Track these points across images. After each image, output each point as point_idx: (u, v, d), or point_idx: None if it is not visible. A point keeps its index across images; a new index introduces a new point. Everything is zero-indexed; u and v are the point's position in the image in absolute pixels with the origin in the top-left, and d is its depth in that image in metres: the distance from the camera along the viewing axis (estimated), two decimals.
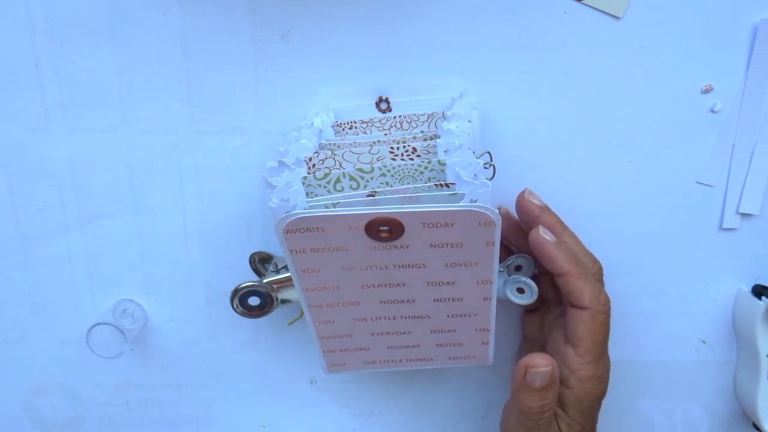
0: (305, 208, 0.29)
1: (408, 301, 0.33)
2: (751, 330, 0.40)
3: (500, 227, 0.28)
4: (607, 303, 0.35)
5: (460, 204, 0.28)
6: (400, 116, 0.37)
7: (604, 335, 0.35)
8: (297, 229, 0.28)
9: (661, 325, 0.43)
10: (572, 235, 0.37)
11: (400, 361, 0.37)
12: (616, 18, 0.37)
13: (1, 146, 0.40)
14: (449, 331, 0.35)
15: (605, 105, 0.39)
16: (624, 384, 0.43)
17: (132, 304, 0.42)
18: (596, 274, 0.37)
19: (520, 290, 0.37)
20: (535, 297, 0.36)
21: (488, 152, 0.34)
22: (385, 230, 0.28)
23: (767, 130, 0.39)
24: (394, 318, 0.34)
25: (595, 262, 0.37)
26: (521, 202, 0.37)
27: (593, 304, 0.34)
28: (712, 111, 0.38)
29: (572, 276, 0.35)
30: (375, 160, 0.33)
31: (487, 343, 0.35)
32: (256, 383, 0.45)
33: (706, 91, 0.38)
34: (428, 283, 0.32)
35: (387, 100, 0.38)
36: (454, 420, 0.45)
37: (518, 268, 0.38)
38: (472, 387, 0.45)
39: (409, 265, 0.30)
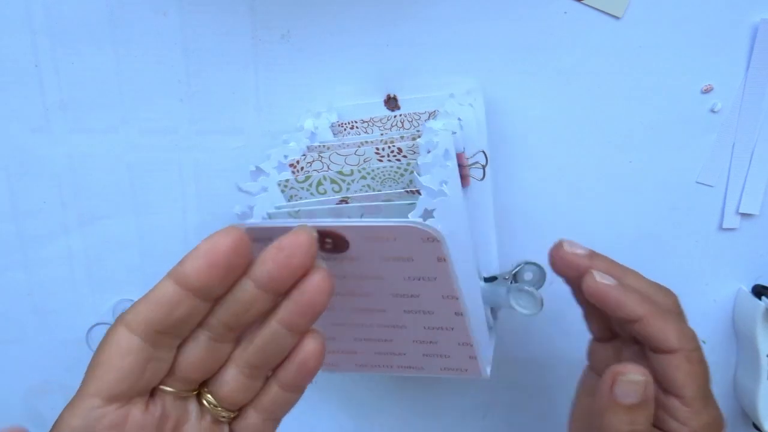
0: (266, 216, 0.29)
1: (379, 310, 0.32)
2: (751, 330, 0.40)
3: (446, 244, 0.26)
4: (695, 337, 0.30)
5: (395, 220, 0.26)
6: (401, 115, 0.37)
7: (706, 374, 0.30)
8: (253, 238, 0.26)
9: None
10: (634, 272, 0.32)
11: (391, 367, 0.36)
12: (616, 18, 0.37)
13: (1, 146, 0.40)
14: (431, 342, 0.33)
15: (605, 105, 0.39)
16: None
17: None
18: (674, 307, 0.32)
19: (527, 299, 0.34)
20: (540, 308, 0.34)
21: (483, 151, 0.33)
22: (329, 243, 0.27)
23: (767, 130, 0.39)
24: (370, 326, 0.33)
25: (668, 293, 0.32)
26: (563, 258, 0.32)
27: (683, 344, 0.30)
28: (712, 111, 0.38)
29: (650, 318, 0.30)
30: (362, 161, 0.32)
31: (474, 358, 0.34)
32: None
33: (706, 91, 0.38)
34: (393, 294, 0.30)
35: (395, 98, 0.37)
36: (454, 420, 0.45)
37: (523, 280, 0.36)
38: (472, 387, 0.45)
39: (366, 276, 0.29)
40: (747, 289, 0.41)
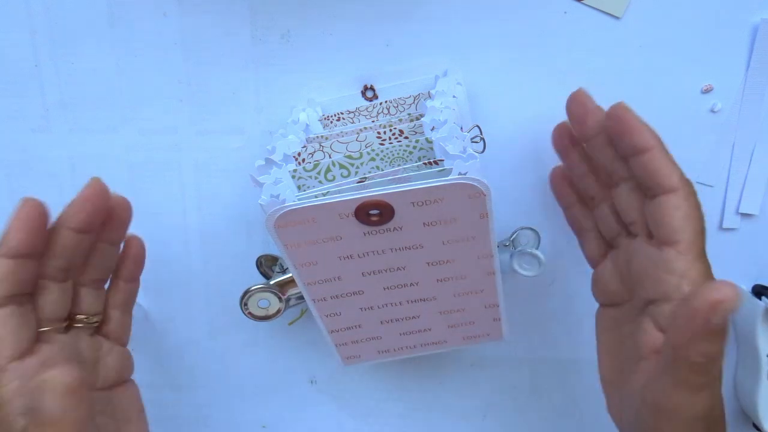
0: (295, 202, 0.29)
1: (411, 284, 0.32)
2: (751, 330, 0.40)
3: (491, 197, 0.28)
4: (693, 186, 0.30)
5: (445, 178, 0.27)
6: (386, 101, 0.37)
7: (702, 221, 0.30)
8: (287, 222, 0.28)
9: None
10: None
11: (414, 347, 0.36)
12: (616, 18, 0.37)
13: (1, 146, 0.40)
14: (458, 311, 0.34)
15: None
16: None
17: None
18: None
19: (530, 262, 0.36)
20: (543, 268, 0.35)
21: (477, 126, 0.33)
22: (374, 214, 0.28)
23: (767, 130, 0.39)
24: (400, 303, 0.33)
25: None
26: (576, 98, 0.33)
27: (683, 184, 0.29)
28: (712, 111, 0.38)
29: (657, 151, 0.29)
30: (363, 147, 0.32)
31: (499, 319, 0.35)
32: (256, 383, 0.45)
33: (706, 91, 0.38)
34: (428, 263, 0.31)
35: (372, 88, 0.38)
36: (454, 420, 0.45)
37: (522, 243, 0.38)
38: (472, 387, 0.45)
39: (406, 247, 0.30)
40: (747, 289, 0.41)
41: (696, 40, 0.37)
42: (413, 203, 0.28)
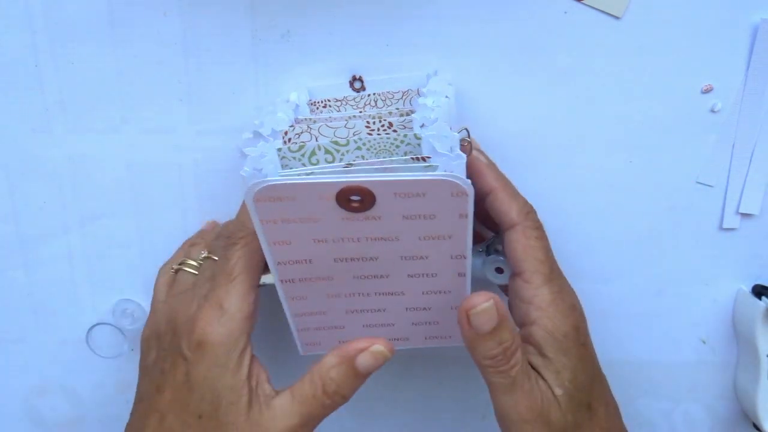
0: (277, 177, 0.29)
1: (382, 276, 0.32)
2: (751, 330, 0.40)
3: (473, 199, 0.28)
4: (536, 220, 0.33)
5: (431, 173, 0.27)
6: (374, 94, 0.37)
7: (544, 252, 0.33)
8: (267, 197, 0.27)
9: (661, 325, 0.43)
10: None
11: None
12: (616, 18, 0.37)
13: (1, 146, 0.40)
14: (424, 309, 0.34)
15: (605, 105, 0.39)
16: (624, 384, 0.43)
17: (132, 304, 0.42)
18: (528, 214, 0.34)
19: (499, 270, 0.36)
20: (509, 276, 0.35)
21: (466, 129, 0.33)
22: (356, 200, 0.28)
23: (767, 130, 0.39)
24: (368, 294, 0.33)
25: (528, 204, 0.35)
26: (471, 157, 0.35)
27: (521, 218, 0.33)
28: (712, 111, 0.38)
29: (499, 191, 0.33)
30: (351, 134, 0.32)
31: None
32: None
33: (706, 91, 0.38)
34: (402, 257, 0.31)
35: (361, 79, 0.37)
36: (454, 420, 0.45)
37: (498, 252, 0.37)
38: (472, 387, 0.45)
39: (382, 238, 0.30)
40: (747, 289, 0.41)
41: (696, 40, 0.37)
42: (396, 194, 0.27)
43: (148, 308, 0.43)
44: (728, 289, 0.42)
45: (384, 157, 0.31)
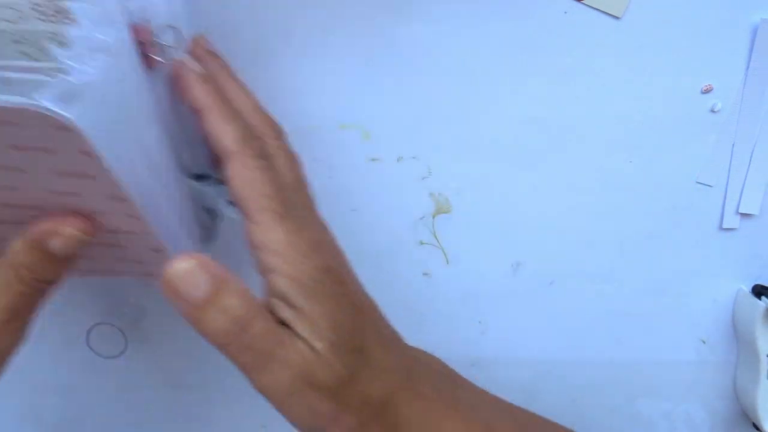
0: None
1: (37, 207, 0.26)
2: (751, 330, 0.40)
3: (87, 135, 0.22)
4: (265, 150, 0.27)
5: (11, 97, 0.21)
6: None
7: (273, 186, 0.26)
8: None
9: (661, 325, 0.43)
10: (245, 91, 0.29)
11: (82, 271, 0.31)
12: (616, 18, 0.37)
13: None
14: (119, 246, 0.29)
15: (605, 105, 0.39)
16: (624, 384, 0.43)
17: (132, 304, 0.42)
18: (266, 134, 0.29)
19: (232, 202, 0.30)
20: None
21: (171, 26, 0.27)
22: None
23: (767, 130, 0.39)
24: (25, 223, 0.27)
25: (273, 125, 0.29)
26: (175, 68, 0.28)
27: (238, 146, 0.26)
28: (712, 111, 0.38)
29: (210, 113, 0.27)
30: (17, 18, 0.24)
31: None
32: None
33: (706, 91, 0.38)
34: (48, 191, 0.25)
35: None
36: None
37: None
38: None
39: (5, 167, 0.24)
40: (747, 289, 0.41)
41: (696, 40, 0.37)
42: None
43: (147, 308, 0.43)
44: (728, 289, 0.42)
45: (10, 55, 0.23)
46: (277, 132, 0.30)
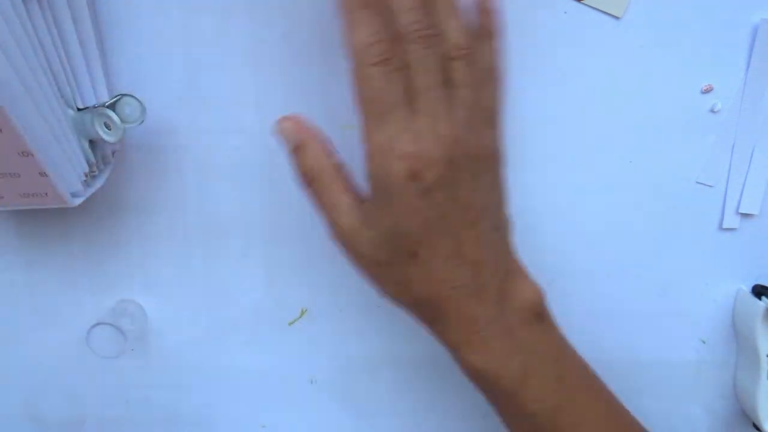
0: None
1: None
2: (751, 330, 0.40)
3: None
4: (383, 55, 0.26)
5: None
6: None
7: (380, 92, 0.27)
8: None
9: (661, 325, 0.43)
10: None
11: None
12: (616, 18, 0.37)
13: None
14: (14, 175, 0.31)
15: (605, 105, 0.39)
16: (624, 384, 0.43)
17: (132, 304, 0.42)
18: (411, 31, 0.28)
19: (107, 126, 0.32)
20: (120, 133, 0.33)
21: None
22: None
23: (767, 130, 0.39)
24: None
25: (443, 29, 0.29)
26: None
27: (360, 49, 0.27)
28: (712, 111, 0.38)
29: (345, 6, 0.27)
30: None
31: (54, 185, 0.32)
32: (255, 383, 0.45)
33: (706, 91, 0.38)
34: None
35: None
36: (454, 420, 0.45)
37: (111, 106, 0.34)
38: (472, 387, 0.45)
39: None
40: (747, 289, 0.41)
41: (696, 40, 0.37)
42: None
43: (147, 308, 0.43)
44: (728, 289, 0.42)
45: None
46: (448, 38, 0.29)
